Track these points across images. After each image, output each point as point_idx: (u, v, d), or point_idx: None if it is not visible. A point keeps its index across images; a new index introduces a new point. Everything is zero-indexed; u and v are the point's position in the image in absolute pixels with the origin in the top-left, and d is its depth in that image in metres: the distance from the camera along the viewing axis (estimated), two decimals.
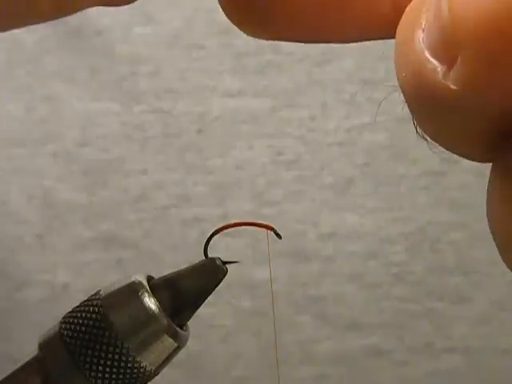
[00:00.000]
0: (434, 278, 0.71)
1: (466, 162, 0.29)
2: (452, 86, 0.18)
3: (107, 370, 0.28)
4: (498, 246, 0.21)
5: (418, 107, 0.19)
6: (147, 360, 0.28)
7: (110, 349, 0.28)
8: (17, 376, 0.29)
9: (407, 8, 0.20)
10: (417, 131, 0.21)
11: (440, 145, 0.21)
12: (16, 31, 0.73)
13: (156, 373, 0.29)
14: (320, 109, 0.70)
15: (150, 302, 0.28)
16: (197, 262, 0.29)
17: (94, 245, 0.72)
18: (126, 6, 0.77)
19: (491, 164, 0.21)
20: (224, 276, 0.29)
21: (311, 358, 0.73)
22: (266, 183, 0.71)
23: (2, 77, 0.71)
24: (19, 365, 0.29)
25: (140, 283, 0.29)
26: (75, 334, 0.28)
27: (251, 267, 0.69)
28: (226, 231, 0.30)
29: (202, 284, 0.29)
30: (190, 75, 0.69)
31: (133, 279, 0.29)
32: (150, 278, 0.29)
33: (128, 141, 0.71)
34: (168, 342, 0.28)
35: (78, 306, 0.29)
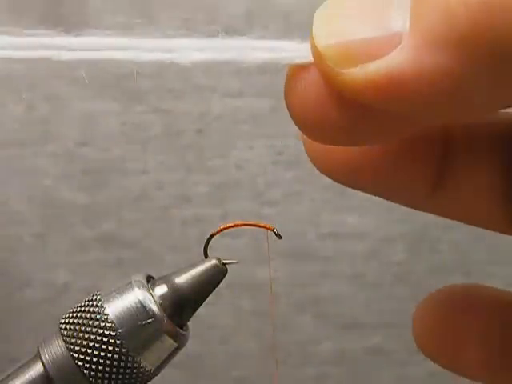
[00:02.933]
0: (434, 277, 0.71)
1: None
2: None
3: (107, 369, 0.28)
4: None
5: None
6: (147, 360, 0.28)
7: (110, 349, 0.28)
8: (17, 376, 0.29)
9: None
10: None
11: None
12: (16, 30, 0.73)
13: (156, 373, 0.29)
14: None
15: (150, 302, 0.28)
16: (197, 261, 0.29)
17: (94, 245, 0.72)
18: (125, 6, 0.77)
19: None
20: (224, 276, 0.29)
21: (311, 357, 0.73)
22: (266, 183, 0.71)
23: (2, 77, 0.71)
24: (19, 365, 0.29)
25: (140, 283, 0.29)
26: (75, 334, 0.28)
27: (251, 267, 0.69)
28: (225, 231, 0.30)
29: (201, 284, 0.29)
30: (190, 75, 0.69)
31: (133, 279, 0.29)
32: (149, 278, 0.29)
33: (128, 141, 0.71)
34: (168, 342, 0.28)
35: (77, 306, 0.29)
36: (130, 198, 0.72)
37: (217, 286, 0.29)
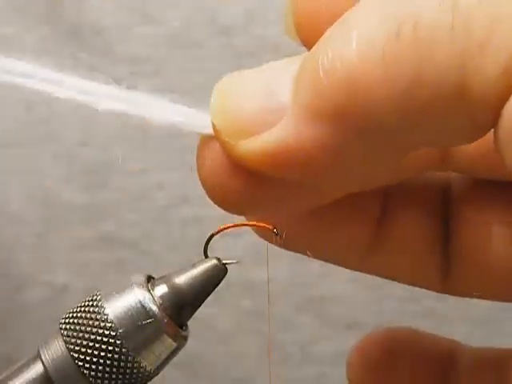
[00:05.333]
0: None
1: None
2: None
3: (107, 369, 0.28)
4: None
5: None
6: (147, 360, 0.28)
7: (110, 349, 0.28)
8: (16, 376, 0.29)
9: None
10: None
11: None
12: (15, 31, 0.73)
13: (156, 373, 0.29)
14: None
15: (150, 302, 0.28)
16: (197, 262, 0.29)
17: (93, 245, 0.72)
18: (126, 7, 0.77)
19: None
20: (224, 276, 0.29)
21: (311, 357, 0.73)
22: None
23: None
24: (19, 364, 0.29)
25: (140, 283, 0.29)
26: (75, 334, 0.28)
27: (251, 267, 0.69)
28: (225, 231, 0.30)
29: (201, 284, 0.29)
30: (190, 75, 0.69)
31: (133, 279, 0.29)
32: (149, 278, 0.29)
33: (128, 141, 0.71)
34: (168, 342, 0.28)
35: (77, 306, 0.29)
36: (129, 198, 0.72)
37: (217, 286, 0.29)
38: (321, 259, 0.31)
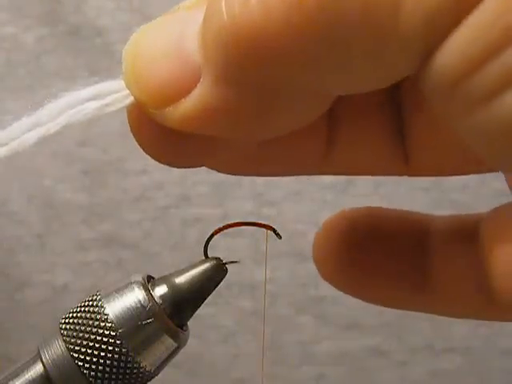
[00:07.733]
0: None
1: None
2: None
3: (107, 369, 0.28)
4: None
5: None
6: (147, 360, 0.28)
7: (110, 349, 0.28)
8: (17, 376, 0.29)
9: None
10: None
11: None
12: (16, 31, 0.73)
13: (156, 373, 0.29)
14: None
15: (150, 302, 0.28)
16: (197, 262, 0.29)
17: (93, 245, 0.72)
18: (125, 7, 0.77)
19: None
20: (224, 276, 0.29)
21: (311, 358, 0.73)
22: (266, 183, 0.71)
23: (2, 77, 0.71)
24: (19, 364, 0.29)
25: (140, 283, 0.29)
26: (75, 334, 0.28)
27: (251, 267, 0.69)
28: (225, 231, 0.30)
29: (201, 284, 0.29)
30: None
31: (132, 279, 0.29)
32: (149, 278, 0.29)
33: (128, 141, 0.71)
34: (168, 342, 0.28)
35: (77, 306, 0.29)
36: (129, 198, 0.72)
37: (217, 286, 0.29)
38: (276, 176, 0.31)
